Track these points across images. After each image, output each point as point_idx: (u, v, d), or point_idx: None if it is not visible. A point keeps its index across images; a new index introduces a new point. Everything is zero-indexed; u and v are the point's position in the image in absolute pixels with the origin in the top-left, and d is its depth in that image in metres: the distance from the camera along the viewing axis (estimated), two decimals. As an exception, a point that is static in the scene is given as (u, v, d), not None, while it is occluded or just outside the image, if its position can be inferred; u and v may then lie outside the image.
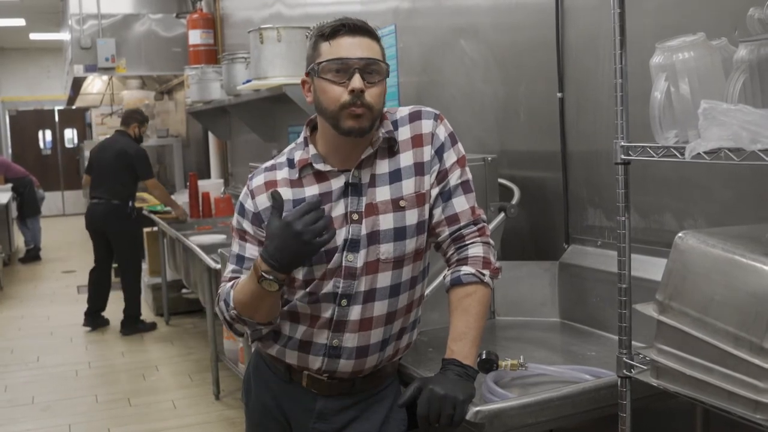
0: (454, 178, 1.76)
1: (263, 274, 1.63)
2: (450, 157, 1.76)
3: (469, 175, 1.80)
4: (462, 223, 1.76)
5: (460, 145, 1.80)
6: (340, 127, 1.67)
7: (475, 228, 1.77)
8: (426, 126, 1.76)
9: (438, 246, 1.80)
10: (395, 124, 1.77)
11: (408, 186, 1.73)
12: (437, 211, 1.76)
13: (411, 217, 1.73)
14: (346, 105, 1.64)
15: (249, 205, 1.78)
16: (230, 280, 1.79)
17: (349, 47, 1.66)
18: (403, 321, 1.80)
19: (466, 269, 1.73)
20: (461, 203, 1.76)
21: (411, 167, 1.74)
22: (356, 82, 1.64)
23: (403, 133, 1.76)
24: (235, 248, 1.82)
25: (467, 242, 1.76)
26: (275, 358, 1.84)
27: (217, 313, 1.83)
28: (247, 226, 1.78)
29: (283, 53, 3.91)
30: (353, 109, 1.64)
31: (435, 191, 1.75)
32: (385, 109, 1.79)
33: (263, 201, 1.76)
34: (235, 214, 1.82)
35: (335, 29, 1.67)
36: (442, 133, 1.77)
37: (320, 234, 1.59)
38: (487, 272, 1.74)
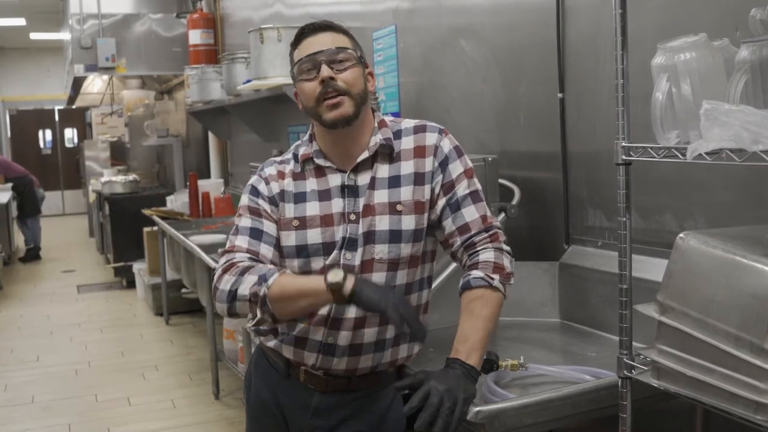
0: (461, 189, 1.77)
1: (341, 275, 1.56)
2: (456, 169, 1.78)
3: (478, 186, 1.81)
4: (473, 232, 1.77)
5: (467, 158, 1.82)
6: (324, 120, 1.72)
7: (486, 235, 1.78)
8: (429, 138, 1.79)
9: (453, 255, 1.82)
10: (398, 134, 1.80)
11: (406, 193, 1.75)
12: (448, 222, 1.77)
13: (408, 222, 1.75)
14: (320, 97, 1.70)
15: (263, 189, 1.81)
16: (248, 252, 1.73)
17: (314, 44, 1.74)
18: None
19: (475, 273, 1.74)
20: (471, 212, 1.77)
21: (411, 176, 1.76)
22: (324, 71, 1.70)
23: (406, 143, 1.79)
24: (247, 223, 1.78)
25: (478, 249, 1.77)
26: (275, 352, 1.86)
27: (225, 283, 1.69)
28: (264, 204, 1.79)
29: (283, 53, 3.91)
30: (328, 101, 1.69)
31: (442, 202, 1.77)
32: (390, 119, 1.83)
33: (276, 188, 1.80)
34: (247, 196, 1.82)
35: (299, 35, 1.77)
36: (446, 146, 1.79)
37: (405, 321, 1.55)
38: (497, 276, 1.73)
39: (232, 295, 1.67)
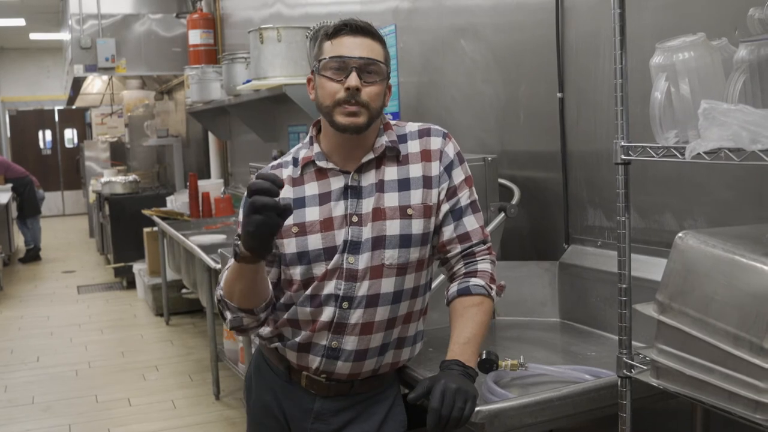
0: (464, 198, 1.79)
1: (235, 244, 1.65)
2: (458, 175, 1.80)
3: (476, 195, 1.84)
4: (474, 242, 1.80)
5: (467, 165, 1.83)
6: (335, 123, 1.71)
7: (484, 246, 1.81)
8: (435, 143, 1.80)
9: (445, 261, 1.83)
10: (404, 138, 1.81)
11: (416, 196, 1.76)
12: (448, 229, 1.79)
13: (417, 226, 1.75)
14: (340, 102, 1.68)
15: None
16: None
17: (350, 46, 1.70)
18: (401, 330, 1.81)
19: (475, 281, 1.76)
20: (472, 222, 1.80)
21: (420, 179, 1.77)
22: (352, 80, 1.67)
23: (413, 147, 1.80)
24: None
25: (477, 259, 1.80)
26: (276, 356, 1.85)
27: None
28: None
29: (283, 53, 3.91)
30: (346, 107, 1.68)
31: (445, 207, 1.78)
32: (394, 122, 1.84)
33: None
34: (241, 209, 1.84)
35: (338, 29, 1.72)
36: (450, 151, 1.81)
37: (259, 225, 1.53)
38: (494, 287, 1.78)
39: (218, 307, 1.80)
